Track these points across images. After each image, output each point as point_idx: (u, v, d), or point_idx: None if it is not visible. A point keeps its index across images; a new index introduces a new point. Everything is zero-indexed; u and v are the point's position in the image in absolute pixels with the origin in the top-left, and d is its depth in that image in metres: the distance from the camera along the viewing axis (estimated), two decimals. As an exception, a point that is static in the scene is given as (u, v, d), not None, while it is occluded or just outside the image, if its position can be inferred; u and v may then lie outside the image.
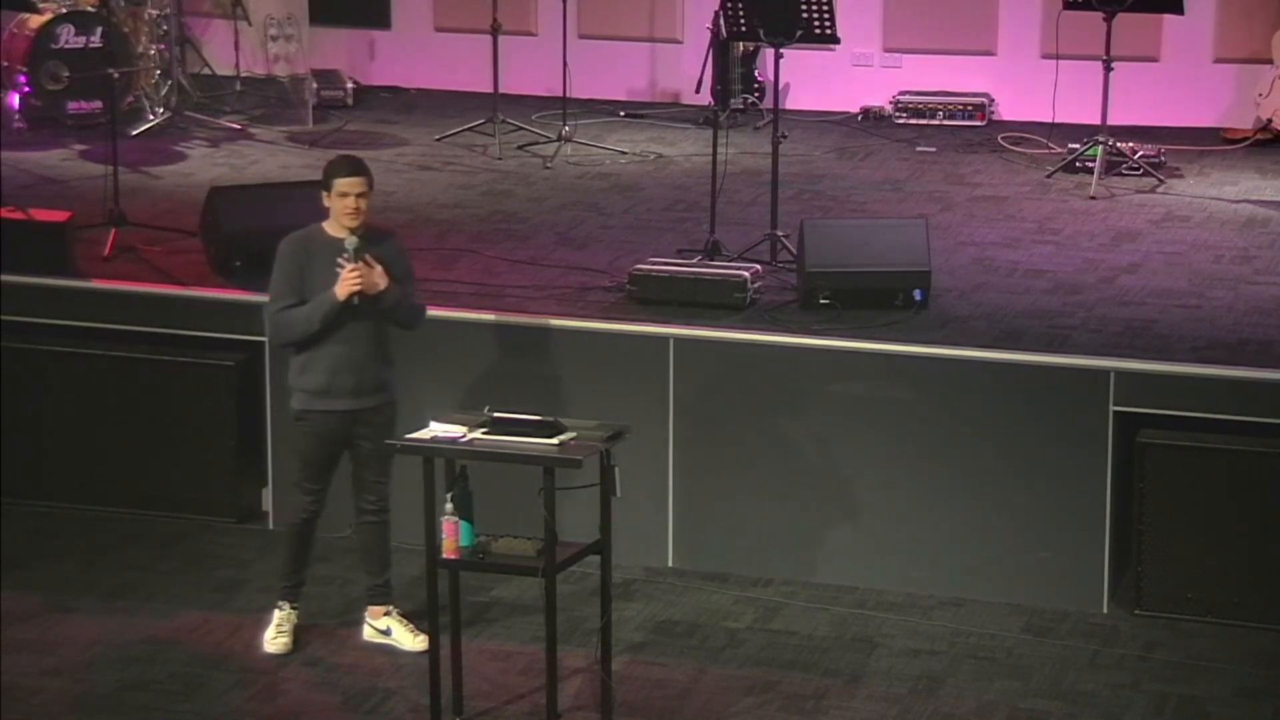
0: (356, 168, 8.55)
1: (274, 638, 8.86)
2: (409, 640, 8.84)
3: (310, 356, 8.57)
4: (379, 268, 8.48)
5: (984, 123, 14.34)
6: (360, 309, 8.48)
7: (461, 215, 11.91)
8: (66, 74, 13.86)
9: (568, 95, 13.64)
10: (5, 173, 11.92)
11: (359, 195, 8.48)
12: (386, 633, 8.90)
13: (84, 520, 10.33)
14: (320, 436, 8.68)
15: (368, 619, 8.97)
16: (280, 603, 8.92)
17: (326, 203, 8.55)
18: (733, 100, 14.30)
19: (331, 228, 8.57)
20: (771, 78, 11.42)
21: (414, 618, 8.90)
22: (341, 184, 8.50)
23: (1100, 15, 12.45)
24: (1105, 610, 9.27)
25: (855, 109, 14.75)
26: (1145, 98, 13.93)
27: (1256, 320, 9.88)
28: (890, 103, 14.60)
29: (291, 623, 8.90)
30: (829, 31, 10.99)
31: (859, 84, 14.73)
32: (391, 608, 8.94)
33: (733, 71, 14.39)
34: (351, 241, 8.47)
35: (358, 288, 8.43)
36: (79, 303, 10.44)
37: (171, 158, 13.34)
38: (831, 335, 9.58)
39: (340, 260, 8.45)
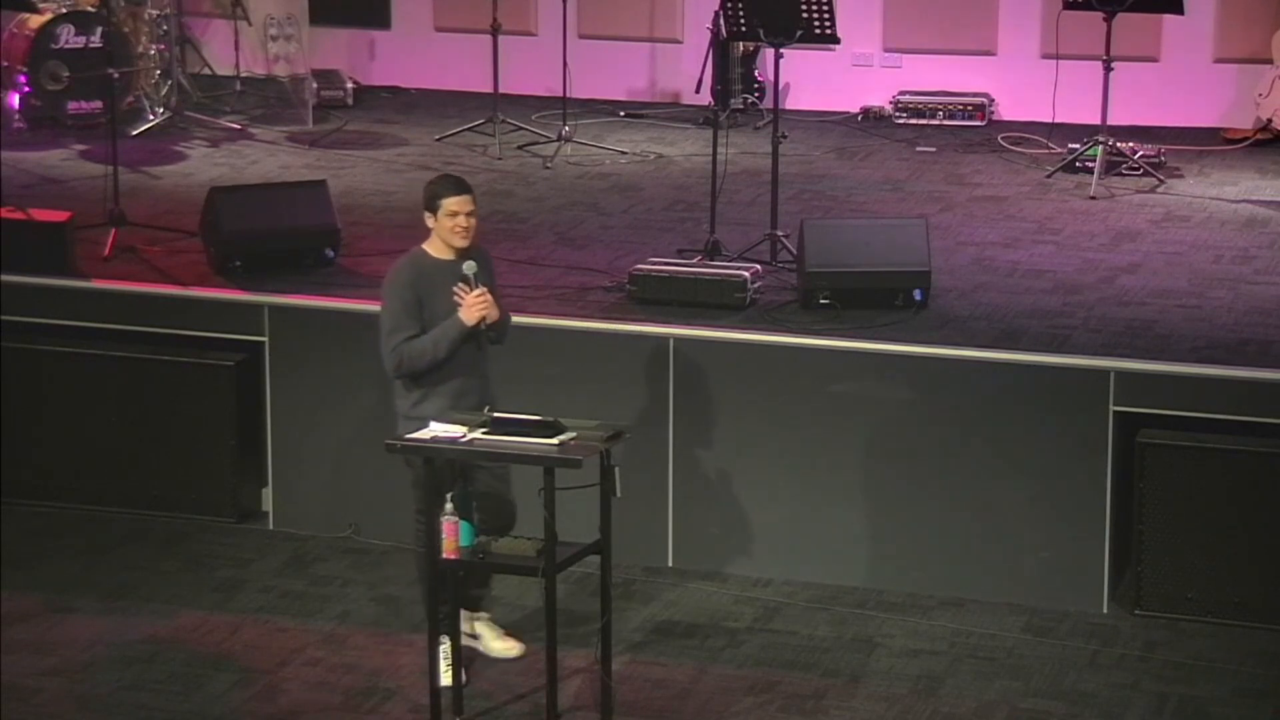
0: (464, 186, 8.37)
1: (506, 642, 8.71)
2: (498, 646, 8.69)
3: (431, 386, 8.31)
4: (491, 299, 8.30)
5: (984, 123, 14.34)
6: (480, 334, 8.29)
7: (461, 215, 11.89)
8: (66, 74, 13.86)
9: (568, 95, 13.64)
10: (5, 173, 11.92)
11: (469, 214, 8.32)
12: (476, 638, 8.73)
13: (84, 520, 10.33)
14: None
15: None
16: (442, 636, 8.37)
17: (431, 223, 8.35)
18: (733, 100, 14.30)
19: (435, 249, 8.38)
20: (771, 78, 11.42)
21: (505, 625, 8.83)
22: (451, 203, 8.31)
23: (1100, 15, 12.46)
24: (1105, 610, 9.27)
25: (855, 109, 14.75)
26: (1145, 98, 13.93)
27: (1256, 320, 9.88)
28: (890, 103, 14.60)
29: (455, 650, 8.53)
30: (829, 31, 10.99)
31: (859, 84, 14.74)
32: (484, 615, 8.78)
33: (733, 71, 14.40)
34: (470, 266, 8.27)
35: (484, 313, 8.25)
36: (79, 303, 10.44)
37: (171, 158, 13.34)
38: (831, 335, 9.58)
39: (459, 285, 8.25)
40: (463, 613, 8.60)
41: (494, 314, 8.31)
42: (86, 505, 10.40)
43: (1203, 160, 13.28)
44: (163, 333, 10.35)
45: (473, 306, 8.25)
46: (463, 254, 8.35)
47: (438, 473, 8.00)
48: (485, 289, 8.27)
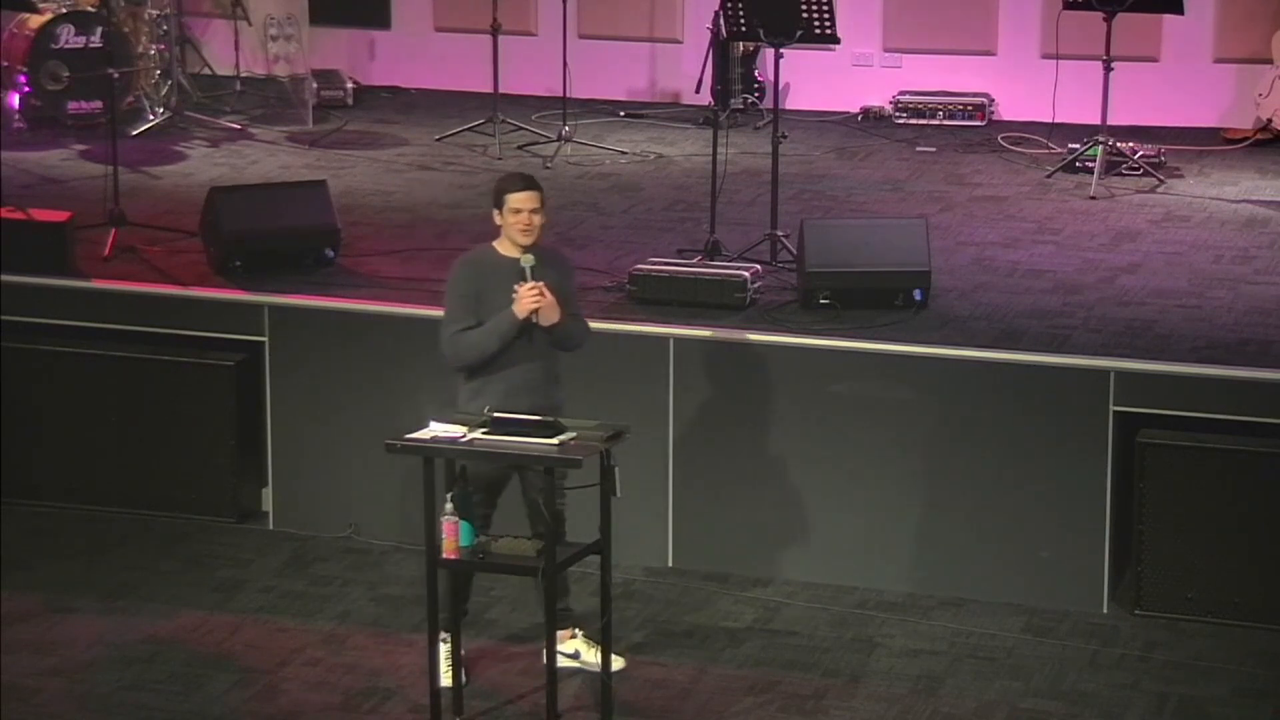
0: (530, 182, 8.30)
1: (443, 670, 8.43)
2: (598, 659, 8.45)
3: (484, 380, 8.28)
4: (551, 297, 8.21)
5: (984, 123, 14.34)
6: (534, 330, 8.22)
7: (461, 215, 11.90)
8: (66, 74, 13.86)
9: (568, 95, 13.64)
10: (5, 173, 11.92)
11: (533, 211, 8.26)
12: (575, 655, 8.60)
13: (84, 520, 10.33)
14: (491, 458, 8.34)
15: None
16: (444, 634, 8.37)
17: (498, 220, 8.29)
18: (733, 100, 14.30)
19: (503, 246, 8.33)
20: (771, 78, 11.42)
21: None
22: (515, 199, 8.24)
23: (1100, 15, 12.46)
24: (1105, 610, 9.27)
25: (855, 109, 14.75)
26: (1145, 98, 13.93)
27: (1256, 320, 9.88)
28: (890, 103, 14.60)
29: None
30: (829, 31, 10.99)
31: (859, 84, 14.73)
32: (577, 630, 8.67)
33: (733, 71, 14.39)
34: (528, 260, 8.23)
35: (537, 305, 8.17)
36: (79, 303, 10.44)
37: (171, 158, 13.34)
38: (831, 335, 9.58)
39: (518, 288, 8.18)
40: (558, 633, 8.30)
41: (552, 314, 8.22)
42: (86, 505, 10.40)
43: (1203, 160, 13.28)
44: (163, 333, 10.35)
45: (524, 299, 8.18)
46: (546, 260, 8.30)
47: (472, 475, 7.97)
48: (540, 283, 8.20)
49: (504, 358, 8.24)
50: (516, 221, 8.26)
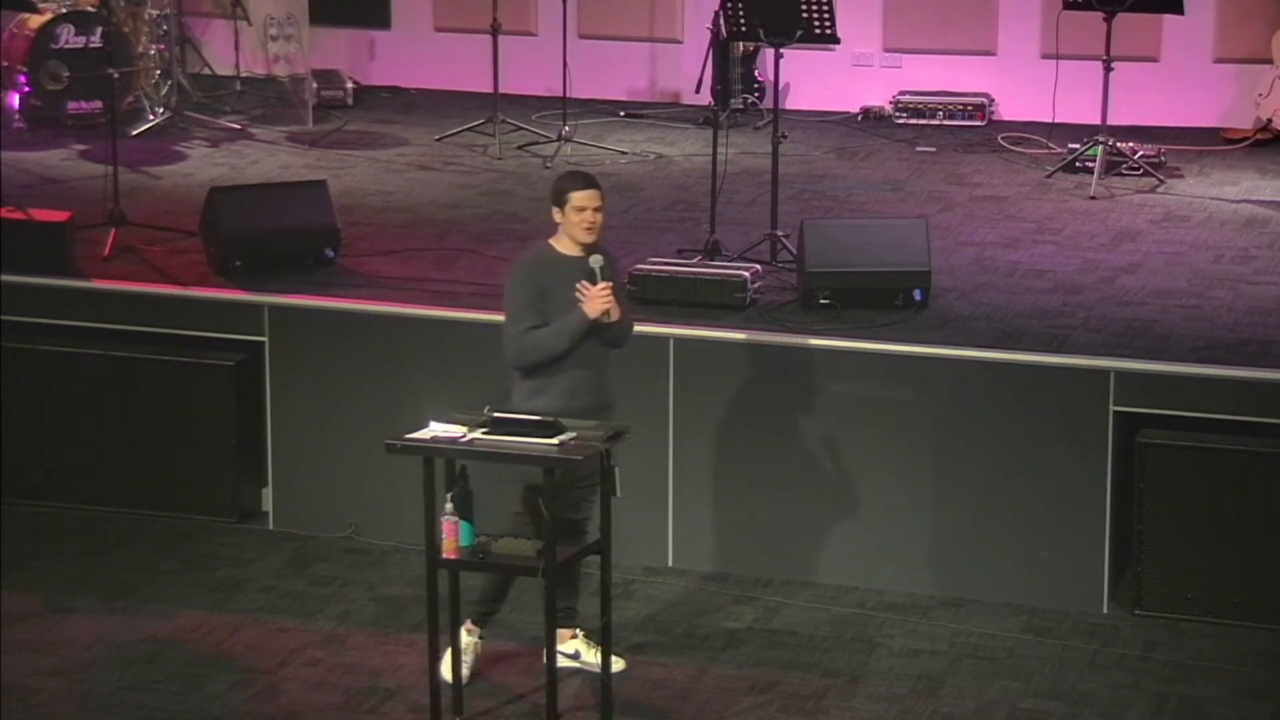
0: (591, 180, 8.28)
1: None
2: (597, 660, 8.45)
3: (547, 380, 8.21)
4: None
5: (984, 123, 14.34)
6: (595, 329, 8.22)
7: (461, 215, 11.91)
8: (66, 74, 13.86)
9: (568, 95, 13.64)
10: (5, 173, 11.92)
11: (595, 209, 8.24)
12: (575, 656, 8.59)
13: (84, 520, 10.33)
14: None
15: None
16: (470, 626, 8.51)
17: (558, 219, 8.27)
18: (733, 100, 14.30)
19: (561, 244, 8.30)
20: (771, 78, 11.42)
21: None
22: (578, 198, 8.22)
23: (1100, 15, 12.45)
24: (1105, 610, 9.27)
25: (855, 109, 14.75)
26: (1145, 98, 13.93)
27: (1256, 320, 9.88)
28: (890, 103, 14.60)
29: (475, 652, 8.56)
30: (829, 31, 10.99)
31: (859, 84, 14.73)
32: (578, 631, 8.66)
33: (733, 71, 14.39)
34: (596, 260, 8.21)
35: (608, 306, 8.16)
36: (79, 303, 10.44)
37: (171, 158, 13.34)
38: (831, 335, 9.57)
39: (582, 285, 8.16)
40: (559, 632, 8.34)
41: (616, 312, 8.23)
42: (86, 505, 10.40)
43: (1203, 160, 13.28)
44: (163, 333, 10.35)
45: (596, 299, 8.16)
46: (588, 252, 8.29)
47: (549, 484, 7.87)
48: (610, 284, 8.21)
49: (569, 360, 8.21)
50: (580, 220, 8.23)
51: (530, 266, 8.33)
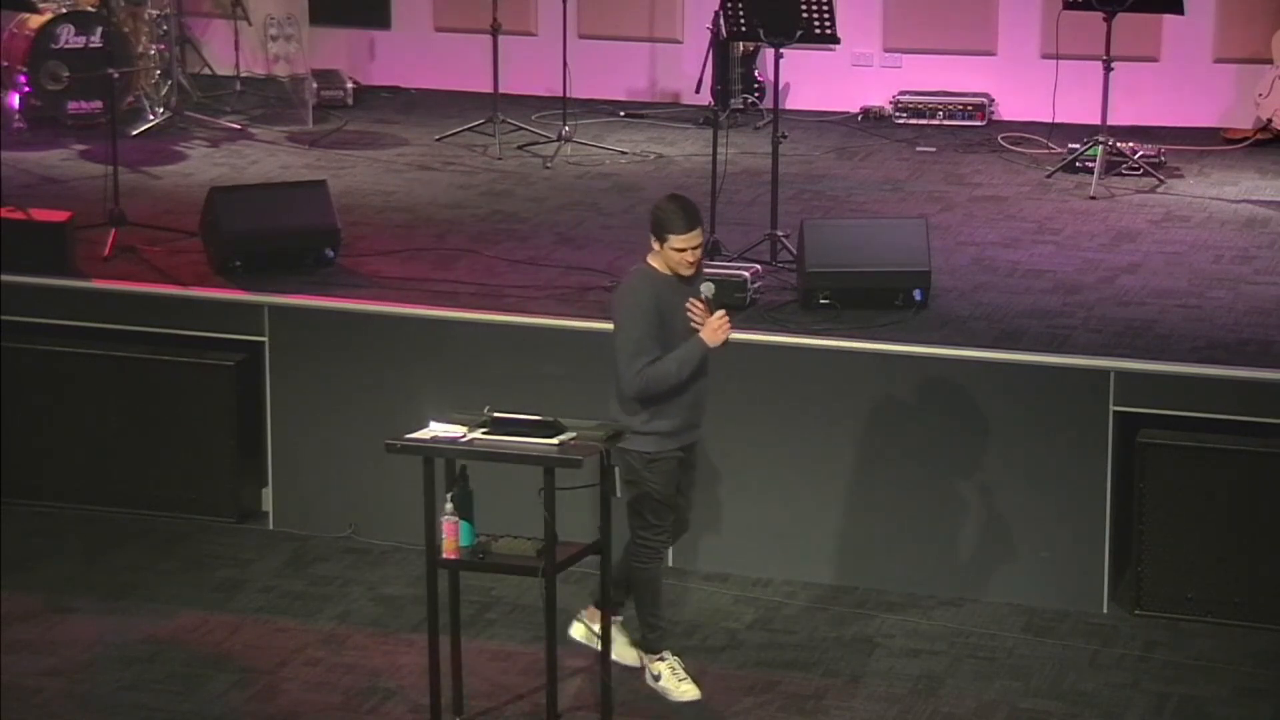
0: (692, 220, 8.07)
1: (680, 685, 8.44)
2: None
3: (666, 401, 8.16)
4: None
5: (984, 123, 14.33)
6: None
7: (461, 215, 11.91)
8: (66, 74, 13.86)
9: (568, 95, 13.64)
10: (5, 173, 11.92)
11: (695, 249, 8.08)
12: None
13: (84, 520, 10.33)
14: (670, 475, 8.26)
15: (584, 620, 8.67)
16: (663, 652, 8.50)
17: (655, 247, 8.12)
18: (733, 100, 14.30)
19: (661, 265, 8.15)
20: (771, 78, 11.42)
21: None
22: (677, 241, 8.04)
23: (1100, 15, 12.45)
24: (1105, 610, 9.27)
25: (855, 109, 14.75)
26: (1145, 98, 13.93)
27: (1256, 320, 9.88)
28: (890, 103, 14.59)
29: (681, 664, 8.54)
30: (829, 31, 10.99)
31: (859, 84, 14.73)
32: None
33: (733, 71, 14.39)
34: (708, 288, 8.12)
35: (728, 336, 8.11)
36: (79, 303, 10.44)
37: (171, 158, 13.34)
38: (831, 335, 9.57)
39: (693, 304, 8.08)
40: (589, 608, 8.51)
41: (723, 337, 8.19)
42: (86, 505, 10.40)
43: (1203, 160, 13.27)
44: (163, 333, 10.35)
45: (718, 330, 8.09)
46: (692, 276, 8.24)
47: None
48: (725, 312, 8.14)
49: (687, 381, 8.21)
50: (680, 259, 8.10)
51: (647, 294, 8.12)
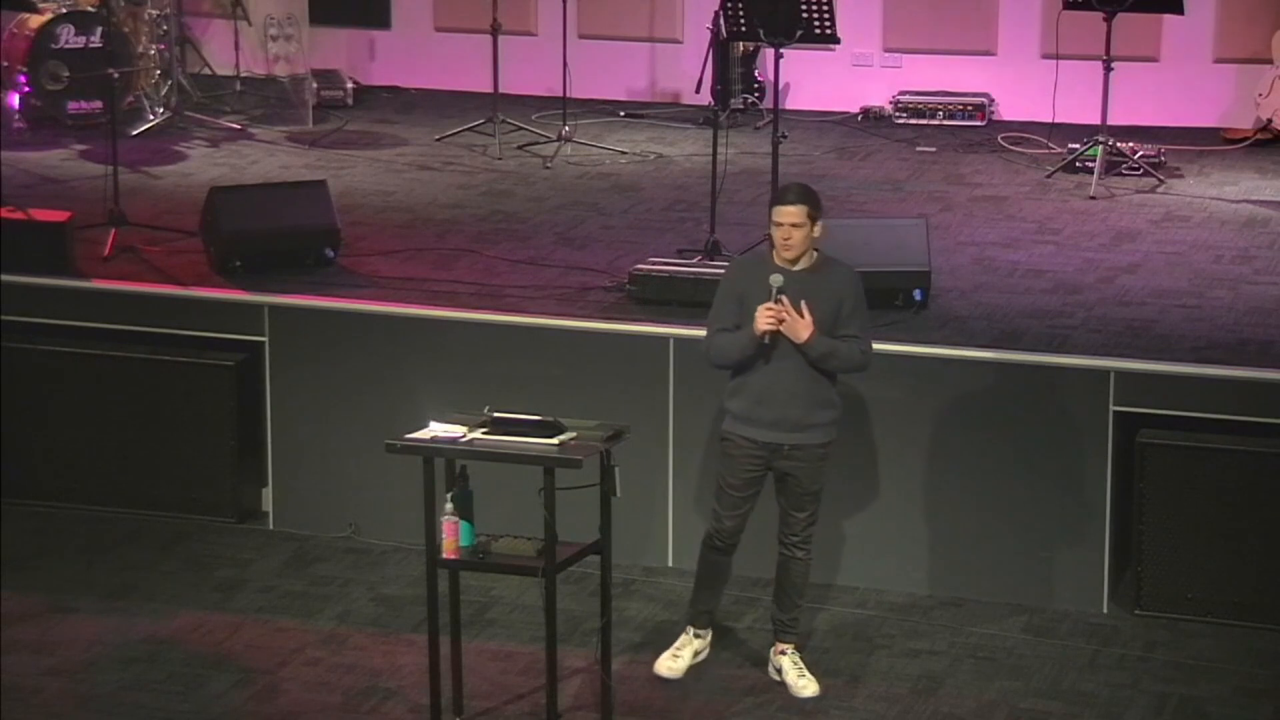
0: (798, 195, 8.09)
1: (670, 661, 8.59)
2: (797, 683, 8.46)
3: (742, 381, 8.20)
4: (806, 317, 8.06)
5: (984, 123, 14.34)
6: (783, 345, 8.09)
7: (461, 215, 11.91)
8: (66, 74, 13.86)
9: (568, 95, 13.64)
10: (5, 173, 11.92)
11: (794, 225, 8.04)
12: (779, 670, 8.56)
13: (84, 520, 10.33)
14: (736, 460, 8.27)
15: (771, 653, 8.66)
16: (687, 626, 8.64)
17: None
18: (733, 100, 14.30)
19: (776, 252, 8.22)
20: (771, 78, 11.42)
21: (809, 664, 8.60)
22: (777, 213, 8.07)
23: (1100, 15, 12.46)
24: (1105, 610, 9.27)
25: (855, 109, 14.75)
26: (1145, 98, 13.93)
27: (1256, 320, 9.88)
28: (890, 103, 14.60)
29: (691, 648, 8.60)
30: (829, 31, 10.99)
31: (859, 84, 14.73)
32: (789, 647, 8.56)
33: (733, 71, 14.39)
34: (776, 279, 8.05)
35: (772, 327, 8.04)
36: (79, 303, 10.44)
37: (171, 158, 13.34)
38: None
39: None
40: (775, 643, 8.60)
41: (800, 333, 8.07)
42: (86, 505, 10.40)
43: (1203, 160, 13.28)
44: (163, 333, 10.35)
45: (760, 317, 8.07)
46: (820, 276, 8.18)
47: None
48: (779, 305, 8.05)
49: (753, 367, 8.18)
50: (776, 235, 8.12)
51: (737, 269, 8.40)
